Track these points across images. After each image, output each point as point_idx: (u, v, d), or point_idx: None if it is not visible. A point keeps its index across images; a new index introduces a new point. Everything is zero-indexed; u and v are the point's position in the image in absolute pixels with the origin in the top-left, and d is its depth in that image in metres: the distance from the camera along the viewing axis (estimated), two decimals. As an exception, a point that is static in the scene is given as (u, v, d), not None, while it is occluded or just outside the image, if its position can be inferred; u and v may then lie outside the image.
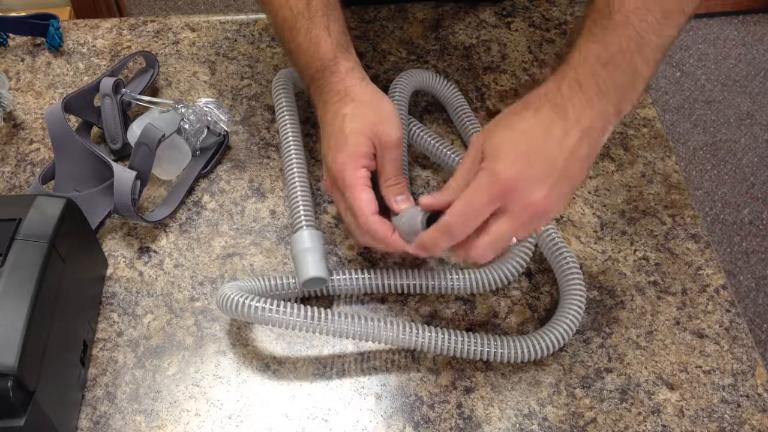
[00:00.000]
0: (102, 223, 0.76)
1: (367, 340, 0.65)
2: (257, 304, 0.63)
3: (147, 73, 0.86)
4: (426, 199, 0.61)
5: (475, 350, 0.65)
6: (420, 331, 0.65)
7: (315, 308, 0.64)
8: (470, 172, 0.58)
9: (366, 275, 0.69)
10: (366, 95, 0.67)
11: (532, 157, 0.56)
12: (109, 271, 0.73)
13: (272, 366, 0.67)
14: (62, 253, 0.60)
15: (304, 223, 0.69)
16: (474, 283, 0.68)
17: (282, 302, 0.64)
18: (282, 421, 0.64)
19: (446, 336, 0.65)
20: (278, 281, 0.68)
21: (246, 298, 0.63)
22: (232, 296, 0.64)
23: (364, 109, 0.65)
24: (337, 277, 0.69)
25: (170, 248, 0.74)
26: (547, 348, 0.65)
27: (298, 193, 0.71)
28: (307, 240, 0.68)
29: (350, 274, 0.69)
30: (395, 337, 0.64)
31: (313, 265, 0.66)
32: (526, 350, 0.65)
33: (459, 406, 0.65)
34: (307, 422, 0.64)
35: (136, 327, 0.69)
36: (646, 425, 0.64)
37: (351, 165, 0.63)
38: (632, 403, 0.65)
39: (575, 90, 0.58)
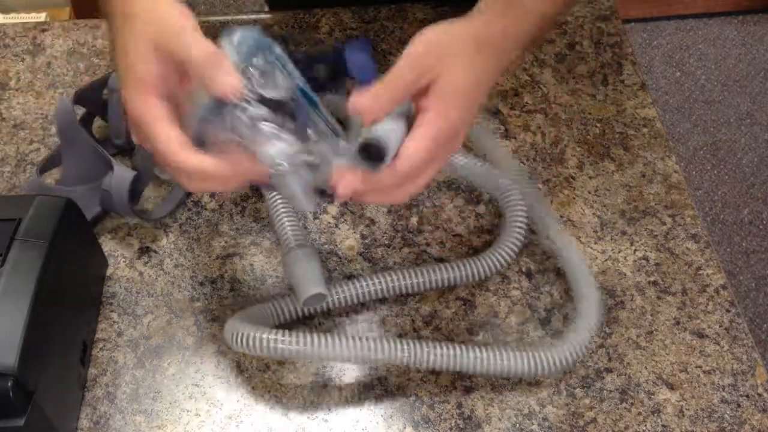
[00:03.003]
0: (102, 223, 0.76)
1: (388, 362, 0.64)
2: (273, 336, 0.61)
3: None
4: (362, 101, 0.52)
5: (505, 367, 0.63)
6: (453, 351, 0.63)
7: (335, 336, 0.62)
8: (405, 89, 0.53)
9: (365, 282, 0.68)
10: (147, 9, 0.53)
11: (474, 106, 0.56)
12: (109, 271, 0.73)
13: (272, 366, 0.67)
14: (62, 253, 0.60)
15: (293, 243, 0.68)
16: (476, 271, 0.69)
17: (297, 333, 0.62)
18: (282, 421, 0.64)
19: (483, 356, 0.63)
20: (278, 306, 0.67)
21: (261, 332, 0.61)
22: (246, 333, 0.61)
23: (143, 19, 0.52)
24: (336, 291, 0.68)
25: (170, 248, 0.74)
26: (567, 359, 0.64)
27: (281, 212, 0.70)
28: (301, 258, 0.67)
29: (349, 285, 0.68)
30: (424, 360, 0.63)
31: (310, 283, 0.65)
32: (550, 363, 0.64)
33: (459, 406, 0.65)
34: (307, 422, 0.64)
35: (136, 327, 0.69)
36: (646, 425, 0.64)
37: (140, 95, 0.51)
38: (632, 403, 0.65)
39: (519, 43, 0.58)
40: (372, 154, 0.52)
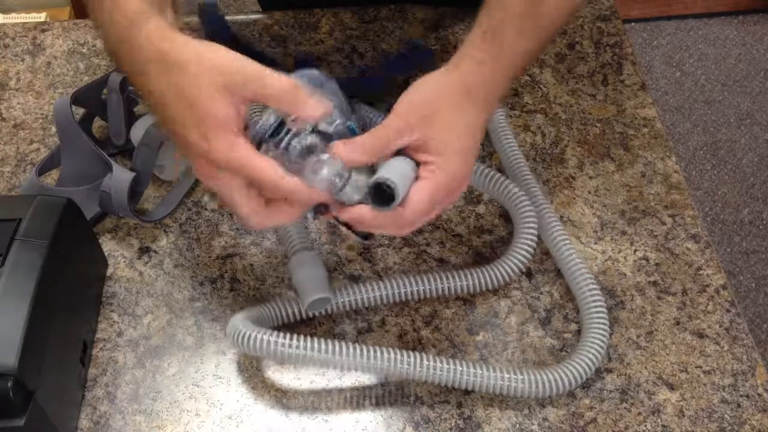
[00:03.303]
0: (102, 223, 0.76)
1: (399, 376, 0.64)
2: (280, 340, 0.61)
3: None
4: (348, 154, 0.55)
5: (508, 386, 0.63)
6: (454, 367, 0.62)
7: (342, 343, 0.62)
8: (395, 138, 0.56)
9: (370, 287, 0.68)
10: (189, 48, 0.53)
11: (473, 151, 0.59)
12: (109, 271, 0.73)
13: (272, 366, 0.67)
14: (62, 253, 0.60)
15: (298, 245, 0.68)
16: (480, 282, 0.69)
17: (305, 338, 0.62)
18: (282, 421, 0.64)
19: (486, 373, 0.63)
20: (282, 307, 0.67)
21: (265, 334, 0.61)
22: (247, 332, 0.61)
23: (200, 65, 0.52)
24: (340, 296, 0.68)
25: (170, 248, 0.74)
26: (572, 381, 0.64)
27: None
28: (306, 262, 0.67)
29: (353, 289, 0.68)
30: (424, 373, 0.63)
31: (315, 287, 0.65)
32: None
33: (459, 406, 0.65)
34: (307, 422, 0.64)
35: (136, 327, 0.69)
36: (646, 425, 0.64)
37: (229, 141, 0.52)
38: (632, 403, 0.65)
39: (506, 82, 0.61)
40: (383, 195, 0.55)
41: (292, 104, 0.53)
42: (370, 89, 0.75)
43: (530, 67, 0.67)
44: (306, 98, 0.53)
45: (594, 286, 0.68)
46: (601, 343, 0.65)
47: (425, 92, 0.58)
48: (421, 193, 0.56)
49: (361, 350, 0.62)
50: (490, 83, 0.59)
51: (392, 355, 0.62)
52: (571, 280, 0.70)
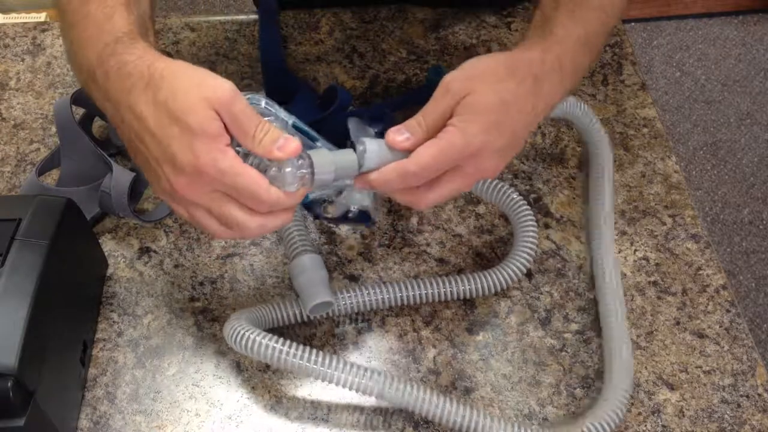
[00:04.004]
0: (102, 223, 0.76)
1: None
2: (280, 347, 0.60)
3: None
4: (396, 136, 0.57)
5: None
6: (449, 405, 0.60)
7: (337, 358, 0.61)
8: (442, 116, 0.57)
9: (372, 291, 0.68)
10: (175, 67, 0.53)
11: (502, 128, 0.57)
12: (109, 271, 0.73)
13: (272, 366, 0.67)
14: (62, 253, 0.60)
15: (300, 248, 0.68)
16: (481, 287, 0.69)
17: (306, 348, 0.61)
18: (282, 421, 0.64)
19: (477, 417, 0.61)
20: (282, 309, 0.67)
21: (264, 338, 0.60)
22: (246, 334, 0.61)
23: (183, 81, 0.52)
24: (343, 297, 0.68)
25: (170, 248, 0.74)
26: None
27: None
28: (308, 265, 0.67)
29: (355, 292, 0.68)
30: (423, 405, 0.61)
31: (318, 290, 0.65)
32: None
33: (459, 406, 0.65)
34: (307, 422, 0.64)
35: (136, 327, 0.69)
36: (646, 425, 0.64)
37: (215, 147, 0.51)
38: (632, 403, 0.65)
39: (555, 68, 0.59)
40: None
41: (269, 139, 0.53)
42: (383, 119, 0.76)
43: (592, 64, 0.65)
44: (280, 134, 0.53)
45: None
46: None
47: (467, 68, 0.58)
48: (430, 148, 0.55)
49: (358, 369, 0.60)
50: (538, 66, 0.58)
51: (394, 382, 0.60)
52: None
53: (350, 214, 0.66)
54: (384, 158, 0.57)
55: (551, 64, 0.59)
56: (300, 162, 0.54)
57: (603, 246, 0.72)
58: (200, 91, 0.51)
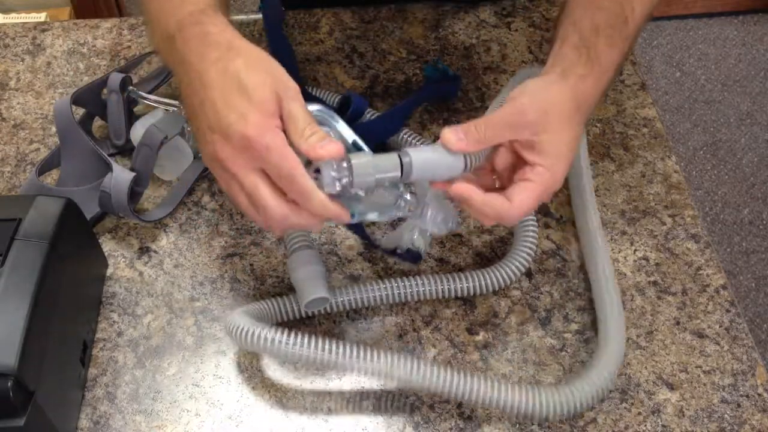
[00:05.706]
0: (102, 223, 0.76)
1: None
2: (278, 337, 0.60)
3: (162, 73, 0.86)
4: (451, 136, 0.58)
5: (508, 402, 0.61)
6: (451, 376, 0.61)
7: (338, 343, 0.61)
8: (504, 133, 0.59)
9: (369, 288, 0.68)
10: (253, 49, 0.57)
11: (573, 158, 0.61)
12: (109, 271, 0.73)
13: (272, 366, 0.67)
14: (62, 253, 0.60)
15: (299, 243, 0.68)
16: (482, 284, 0.69)
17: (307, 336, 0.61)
18: (282, 421, 0.64)
19: (483, 383, 0.61)
20: (280, 304, 0.67)
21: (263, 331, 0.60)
22: (245, 328, 0.61)
23: (258, 62, 0.57)
24: (341, 293, 0.68)
25: (170, 248, 0.74)
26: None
27: None
28: (306, 260, 0.67)
29: (352, 289, 0.68)
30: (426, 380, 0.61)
31: (314, 286, 0.65)
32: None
33: (459, 406, 0.65)
34: (307, 422, 0.64)
35: (136, 327, 0.69)
36: (646, 425, 0.64)
37: (269, 124, 0.54)
38: (632, 403, 0.65)
39: (597, 96, 0.62)
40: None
41: (315, 139, 0.55)
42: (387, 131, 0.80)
43: (617, 79, 0.70)
44: (326, 136, 0.55)
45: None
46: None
47: (539, 97, 0.60)
48: (530, 192, 0.58)
49: (360, 351, 0.61)
50: (591, 98, 0.62)
51: (393, 358, 0.61)
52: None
53: (398, 250, 0.69)
54: (428, 168, 0.58)
55: (600, 94, 0.62)
56: (340, 165, 0.55)
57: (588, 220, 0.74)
58: (270, 77, 0.56)
